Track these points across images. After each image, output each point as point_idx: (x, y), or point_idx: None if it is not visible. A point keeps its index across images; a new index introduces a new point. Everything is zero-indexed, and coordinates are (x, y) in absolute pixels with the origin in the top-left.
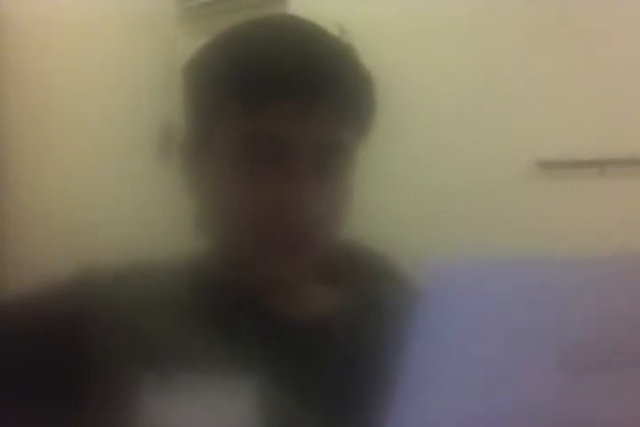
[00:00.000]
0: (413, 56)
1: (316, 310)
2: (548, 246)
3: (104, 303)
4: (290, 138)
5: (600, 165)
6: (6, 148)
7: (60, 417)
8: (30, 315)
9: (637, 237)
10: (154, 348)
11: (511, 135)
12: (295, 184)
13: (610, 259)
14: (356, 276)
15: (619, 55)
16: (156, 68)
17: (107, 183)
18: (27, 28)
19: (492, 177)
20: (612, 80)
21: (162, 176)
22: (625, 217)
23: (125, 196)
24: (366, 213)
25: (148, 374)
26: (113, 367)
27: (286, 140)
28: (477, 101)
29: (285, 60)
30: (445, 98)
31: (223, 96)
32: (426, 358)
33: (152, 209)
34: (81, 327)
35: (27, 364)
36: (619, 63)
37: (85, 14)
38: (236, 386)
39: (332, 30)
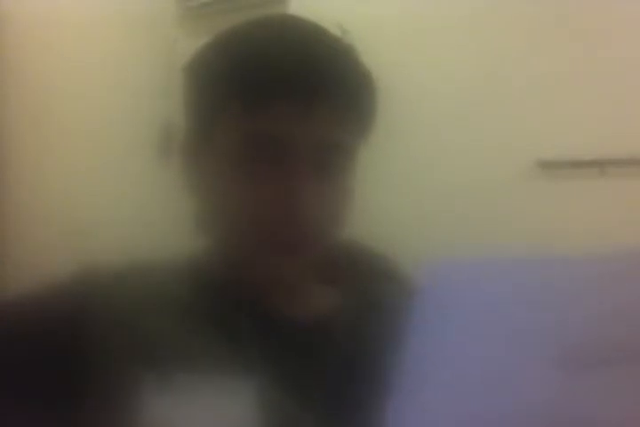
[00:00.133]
0: (413, 56)
1: (316, 310)
2: (547, 246)
3: (104, 303)
4: (290, 138)
5: (600, 165)
6: (6, 148)
7: (60, 417)
8: (30, 315)
9: (637, 237)
10: (154, 348)
11: (511, 135)
12: (295, 184)
13: (609, 258)
14: (355, 276)
15: (619, 55)
16: (155, 68)
17: (107, 183)
18: (27, 28)
19: (492, 177)
20: (612, 80)
21: (162, 176)
22: (625, 217)
23: (125, 196)
24: (366, 213)
25: (147, 374)
26: (113, 367)
27: (286, 140)
28: (477, 101)
29: (285, 60)
30: (445, 98)
31: (223, 96)
32: (426, 358)
33: (152, 209)
34: (81, 327)
35: (27, 364)
36: (619, 63)
37: (85, 14)
38: (235, 386)
39: (333, 30)
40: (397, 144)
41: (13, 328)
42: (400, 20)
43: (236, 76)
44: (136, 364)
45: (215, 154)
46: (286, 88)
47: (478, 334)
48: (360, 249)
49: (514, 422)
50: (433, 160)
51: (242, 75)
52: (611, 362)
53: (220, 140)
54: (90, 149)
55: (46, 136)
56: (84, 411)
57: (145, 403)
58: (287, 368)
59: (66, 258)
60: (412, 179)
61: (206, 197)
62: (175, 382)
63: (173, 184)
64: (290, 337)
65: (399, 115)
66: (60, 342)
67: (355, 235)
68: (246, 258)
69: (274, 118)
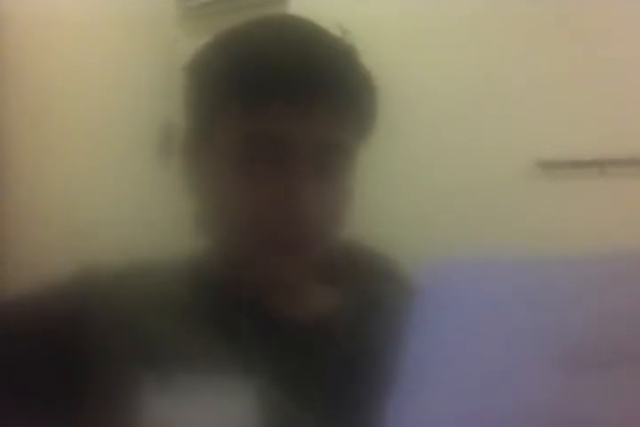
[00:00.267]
0: (413, 56)
1: (316, 310)
2: (547, 246)
3: (104, 303)
4: (290, 138)
5: (600, 165)
6: (6, 148)
7: (60, 417)
8: (30, 315)
9: (637, 237)
10: (154, 348)
11: (511, 135)
12: (295, 184)
13: (609, 258)
14: (356, 276)
15: (619, 55)
16: (156, 68)
17: (107, 183)
18: (27, 28)
19: (492, 177)
20: (612, 80)
21: (162, 176)
22: (625, 217)
23: (125, 196)
24: (366, 213)
25: (147, 374)
26: (113, 367)
27: (286, 140)
28: (477, 101)
29: (285, 60)
30: (445, 98)
31: (223, 96)
32: (426, 358)
33: (152, 209)
34: (81, 327)
35: (27, 364)
36: (619, 63)
37: (85, 14)
38: (236, 386)
39: (333, 30)
40: (397, 144)
41: (13, 328)
42: (400, 20)
43: (235, 76)
44: (136, 364)
45: (215, 154)
46: (286, 88)
47: (478, 334)
48: (360, 249)
49: (514, 422)
50: (433, 160)
51: (242, 75)
52: (610, 362)
53: (219, 140)
54: (90, 149)
55: (46, 136)
56: (84, 411)
57: (145, 403)
58: (287, 368)
59: (66, 258)
60: (412, 179)
61: (206, 197)
62: (175, 382)
63: (173, 184)
64: (290, 337)
65: (399, 115)
66: (60, 342)
67: (355, 235)
68: (246, 258)
69: (274, 118)
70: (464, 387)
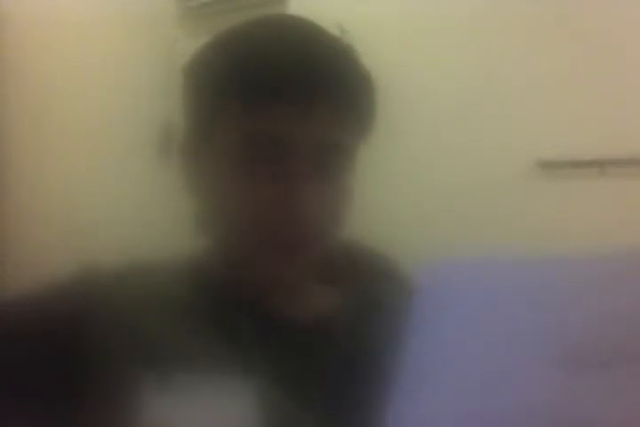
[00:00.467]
0: (413, 56)
1: (316, 310)
2: (547, 246)
3: (104, 303)
4: (290, 138)
5: (600, 165)
6: (6, 148)
7: (60, 417)
8: (30, 315)
9: (637, 237)
10: (154, 348)
11: (511, 135)
12: (295, 184)
13: (609, 258)
14: (356, 276)
15: (619, 55)
16: (156, 68)
17: (107, 183)
18: (27, 28)
19: (492, 177)
20: (612, 80)
21: (162, 176)
22: (625, 217)
23: (125, 196)
24: (366, 213)
25: (147, 374)
26: (113, 367)
27: (286, 140)
28: (477, 101)
29: (285, 60)
30: (445, 98)
31: (223, 96)
32: (425, 358)
33: (152, 209)
34: (81, 327)
35: (27, 364)
36: (619, 63)
37: (85, 14)
38: (236, 386)
39: (332, 30)
40: (397, 144)
41: (13, 328)
42: (400, 20)
43: (235, 76)
44: (136, 364)
45: (215, 154)
46: (286, 88)
47: (478, 334)
48: (360, 249)
49: (513, 422)
50: (433, 160)
51: (241, 75)
52: (610, 362)
53: (219, 140)
54: (90, 149)
55: (46, 136)
56: (84, 411)
57: (145, 403)
58: (287, 368)
59: (66, 258)
60: (412, 179)
61: (206, 197)
62: (175, 382)
63: (173, 184)
64: (290, 337)
65: (399, 115)
66: (60, 342)
67: (355, 235)
68: (246, 258)
69: (274, 118)
70: (464, 387)
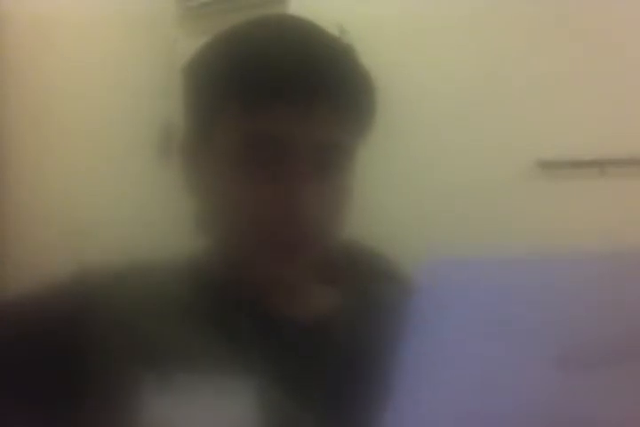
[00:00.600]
0: (413, 56)
1: (316, 310)
2: (548, 246)
3: (104, 303)
4: (290, 138)
5: (600, 165)
6: (6, 148)
7: (60, 417)
8: (30, 315)
9: (637, 237)
10: (154, 348)
11: (511, 135)
12: (295, 184)
13: (609, 257)
14: (356, 276)
15: (619, 55)
16: (156, 68)
17: (107, 183)
18: (27, 28)
19: (492, 177)
20: (612, 80)
21: (162, 176)
22: (625, 217)
23: (125, 196)
24: (366, 213)
25: (147, 374)
26: (113, 367)
27: (286, 140)
28: (477, 101)
29: (285, 60)
30: (445, 98)
31: (223, 96)
32: (425, 358)
33: (152, 209)
34: (81, 327)
35: (27, 364)
36: (619, 63)
37: (85, 14)
38: (236, 386)
39: (332, 30)
40: (397, 144)
41: (13, 328)
42: (400, 20)
43: (235, 76)
44: (136, 364)
45: (215, 154)
46: (286, 88)
47: (478, 334)
48: (360, 249)
49: (513, 422)
50: (433, 160)
51: (241, 75)
52: (611, 362)
53: (219, 140)
54: (90, 149)
55: (46, 136)
56: (84, 411)
57: (145, 403)
58: (287, 368)
59: (66, 258)
60: (412, 179)
61: (206, 197)
62: (175, 382)
63: (173, 184)
64: (290, 337)
65: (399, 115)
66: (60, 342)
67: (355, 235)
68: (246, 258)
69: (273, 119)
70: (463, 386)
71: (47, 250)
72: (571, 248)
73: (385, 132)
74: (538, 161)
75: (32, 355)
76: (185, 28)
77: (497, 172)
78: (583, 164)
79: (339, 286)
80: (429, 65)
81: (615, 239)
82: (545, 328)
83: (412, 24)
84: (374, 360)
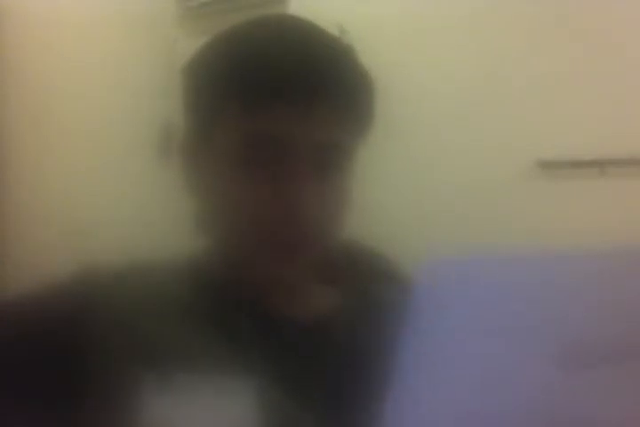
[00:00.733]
0: (413, 56)
1: (316, 310)
2: (547, 246)
3: (104, 303)
4: (290, 138)
5: (600, 165)
6: (6, 148)
7: (60, 417)
8: (30, 315)
9: (637, 237)
10: (154, 348)
11: (511, 135)
12: (295, 184)
13: (609, 255)
14: (356, 276)
15: (619, 55)
16: (156, 68)
17: (107, 183)
18: (27, 27)
19: (492, 177)
20: (612, 80)
21: (162, 176)
22: (625, 217)
23: (125, 196)
24: (366, 213)
25: (147, 374)
26: (113, 367)
27: (286, 140)
28: (477, 101)
29: (285, 60)
30: (445, 98)
31: (223, 96)
32: (425, 357)
33: (152, 209)
34: (81, 327)
35: (27, 364)
36: (619, 63)
37: (85, 14)
38: (236, 386)
39: (332, 30)
40: (397, 144)
41: (13, 328)
42: (400, 20)
43: (235, 76)
44: (136, 364)
45: (215, 154)
46: (286, 88)
47: (478, 333)
48: (360, 249)
49: (513, 421)
50: (433, 160)
51: (241, 75)
52: (611, 360)
53: (219, 140)
54: (90, 149)
55: (46, 136)
56: (84, 411)
57: (145, 403)
58: (287, 368)
59: (66, 258)
60: (412, 179)
61: (206, 197)
62: (175, 382)
63: (173, 184)
64: (290, 337)
65: (399, 115)
66: (60, 342)
67: (355, 235)
68: (246, 258)
69: (273, 119)
70: (463, 385)
71: (47, 250)
72: (571, 248)
73: (385, 132)
74: (538, 161)
75: (32, 355)
76: (185, 28)
77: (497, 172)
78: (583, 164)
79: (339, 286)
80: (429, 65)
81: (615, 239)
82: (545, 327)
83: (412, 24)
84: (374, 360)
